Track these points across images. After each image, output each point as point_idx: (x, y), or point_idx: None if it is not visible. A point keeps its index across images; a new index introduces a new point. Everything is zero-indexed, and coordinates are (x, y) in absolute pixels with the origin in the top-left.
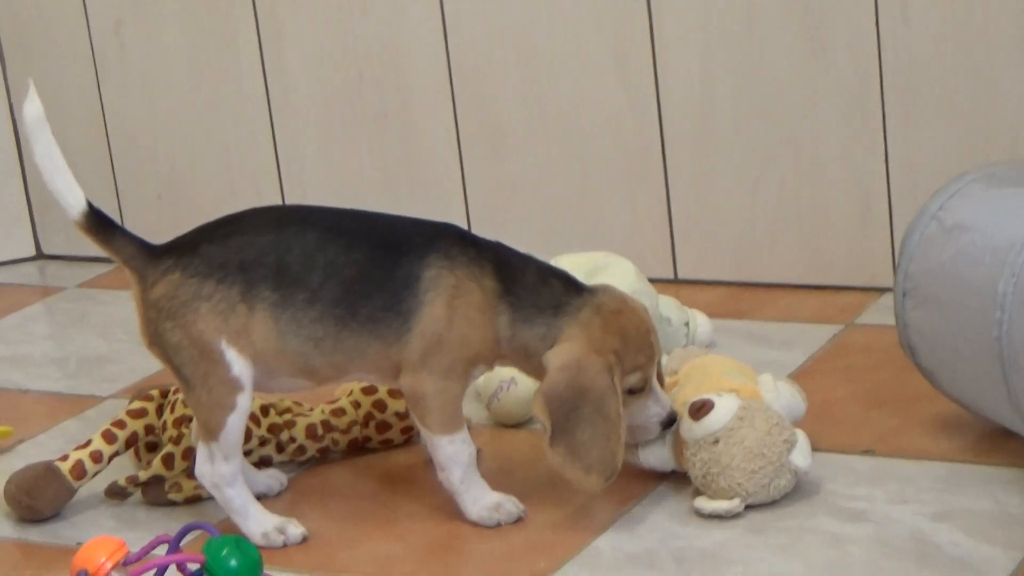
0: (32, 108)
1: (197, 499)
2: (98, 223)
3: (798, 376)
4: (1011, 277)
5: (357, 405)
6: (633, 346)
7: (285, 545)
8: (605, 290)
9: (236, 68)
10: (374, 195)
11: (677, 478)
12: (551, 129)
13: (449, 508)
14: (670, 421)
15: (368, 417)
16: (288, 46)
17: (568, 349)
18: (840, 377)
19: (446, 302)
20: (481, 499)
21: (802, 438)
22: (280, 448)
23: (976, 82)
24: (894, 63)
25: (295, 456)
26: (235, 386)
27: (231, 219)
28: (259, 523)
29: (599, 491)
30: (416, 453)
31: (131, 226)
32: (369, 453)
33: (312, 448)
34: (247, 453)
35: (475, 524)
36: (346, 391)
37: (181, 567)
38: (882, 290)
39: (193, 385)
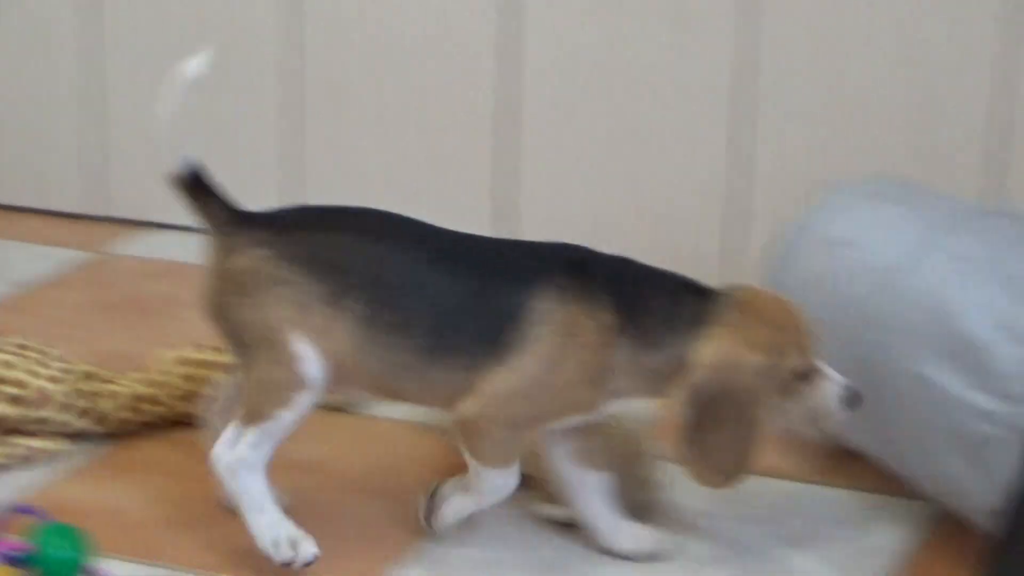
0: (196, 67)
1: None
2: (196, 183)
3: None
4: None
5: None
6: (789, 331)
7: (291, 563)
8: (737, 287)
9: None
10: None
11: None
12: None
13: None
14: (852, 396)
15: None
16: None
17: (719, 346)
18: None
19: (557, 341)
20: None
21: None
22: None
23: None
24: None
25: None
26: (299, 383)
27: (344, 211)
28: (272, 527)
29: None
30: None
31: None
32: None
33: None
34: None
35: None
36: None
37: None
38: None
39: (252, 367)
